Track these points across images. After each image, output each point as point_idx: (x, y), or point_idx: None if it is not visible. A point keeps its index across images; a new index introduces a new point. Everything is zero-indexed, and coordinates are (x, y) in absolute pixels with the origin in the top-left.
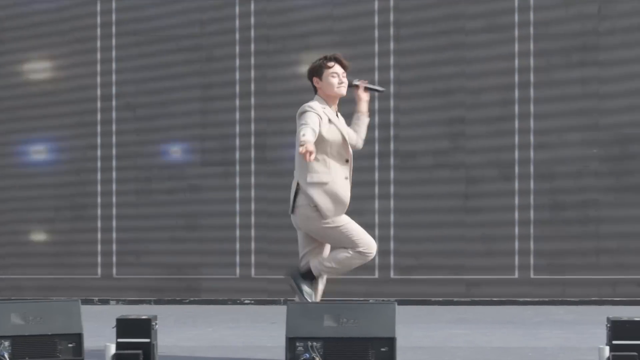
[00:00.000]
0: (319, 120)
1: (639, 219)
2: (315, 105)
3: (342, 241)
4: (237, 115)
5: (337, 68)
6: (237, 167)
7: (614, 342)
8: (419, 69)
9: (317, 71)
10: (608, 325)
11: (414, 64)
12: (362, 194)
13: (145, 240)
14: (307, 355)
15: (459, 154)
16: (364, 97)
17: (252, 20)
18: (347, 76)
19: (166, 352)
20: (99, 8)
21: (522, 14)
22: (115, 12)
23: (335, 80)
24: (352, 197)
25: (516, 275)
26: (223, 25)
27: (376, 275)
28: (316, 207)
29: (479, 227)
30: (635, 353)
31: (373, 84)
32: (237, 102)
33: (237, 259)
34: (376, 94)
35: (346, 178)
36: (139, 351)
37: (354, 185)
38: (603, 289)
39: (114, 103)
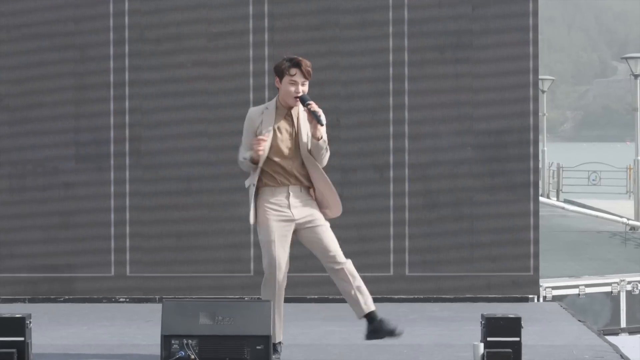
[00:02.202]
0: (250, 130)
1: (512, 216)
2: (255, 111)
3: None
4: (112, 105)
5: (298, 77)
6: (112, 161)
7: (489, 338)
8: None
9: (279, 73)
10: (483, 322)
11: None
12: (236, 186)
13: (20, 238)
14: (183, 353)
15: (334, 158)
16: (311, 119)
17: (126, 5)
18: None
19: (40, 350)
20: None
21: (396, 12)
22: None
23: (292, 89)
24: (221, 191)
25: (391, 273)
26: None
27: (251, 273)
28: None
29: (354, 228)
30: (509, 350)
31: (319, 113)
32: (112, 92)
33: (112, 256)
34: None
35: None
36: (13, 350)
37: (219, 179)
38: (477, 285)
39: None
